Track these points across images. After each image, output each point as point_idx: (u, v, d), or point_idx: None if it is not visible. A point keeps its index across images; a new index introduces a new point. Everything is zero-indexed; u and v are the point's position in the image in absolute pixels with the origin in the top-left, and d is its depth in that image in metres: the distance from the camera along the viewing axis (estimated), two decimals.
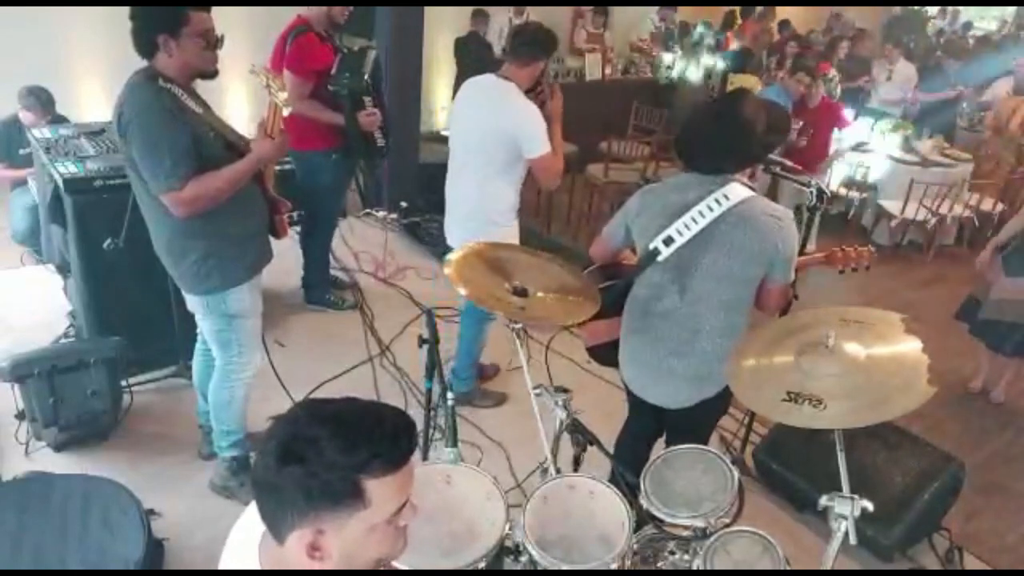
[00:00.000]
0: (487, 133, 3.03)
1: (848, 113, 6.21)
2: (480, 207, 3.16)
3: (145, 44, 2.30)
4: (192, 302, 2.64)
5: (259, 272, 2.68)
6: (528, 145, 3.00)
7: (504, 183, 3.12)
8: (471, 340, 3.50)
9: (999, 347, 4.05)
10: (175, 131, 2.27)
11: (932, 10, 14.00)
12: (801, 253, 3.17)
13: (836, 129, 5.85)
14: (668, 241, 2.17)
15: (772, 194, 5.87)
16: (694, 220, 2.13)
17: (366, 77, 3.73)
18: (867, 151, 6.45)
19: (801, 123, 5.96)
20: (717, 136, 2.16)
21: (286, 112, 2.46)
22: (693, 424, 2.40)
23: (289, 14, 3.75)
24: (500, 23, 7.61)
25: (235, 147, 2.48)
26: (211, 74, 2.42)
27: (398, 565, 1.67)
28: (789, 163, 2.84)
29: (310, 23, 3.69)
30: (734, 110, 2.12)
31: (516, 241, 3.19)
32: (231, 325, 2.63)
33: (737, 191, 2.12)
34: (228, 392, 2.76)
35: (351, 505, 1.06)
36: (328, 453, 1.04)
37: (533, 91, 3.11)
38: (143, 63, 2.35)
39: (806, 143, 5.86)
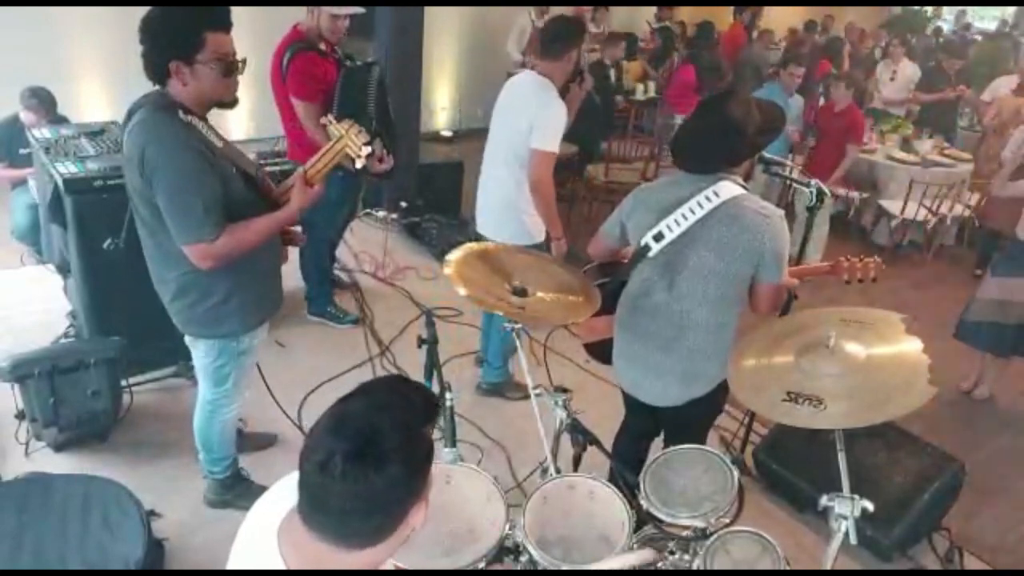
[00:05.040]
0: (516, 125, 3.15)
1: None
2: (514, 199, 3.27)
3: (156, 71, 2.10)
4: (196, 342, 2.47)
5: (276, 311, 2.55)
6: (538, 135, 3.09)
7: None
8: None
9: (989, 347, 4.07)
10: (206, 176, 2.08)
11: (941, 9, 14.02)
12: (801, 253, 3.20)
13: (848, 144, 5.65)
14: (658, 237, 2.19)
15: (785, 198, 5.87)
16: (684, 216, 2.14)
17: (370, 111, 3.59)
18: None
19: (803, 123, 5.96)
20: (703, 135, 2.19)
21: (359, 164, 2.22)
22: (687, 423, 2.40)
23: (290, 14, 3.71)
24: (522, 23, 7.60)
25: (253, 181, 2.31)
26: (230, 104, 2.21)
27: (398, 564, 1.67)
28: (789, 163, 2.84)
29: (307, 38, 3.57)
30: (720, 109, 2.13)
31: (543, 227, 3.33)
32: (236, 361, 2.49)
33: (727, 188, 2.13)
34: (220, 425, 2.66)
35: (432, 456, 1.17)
36: (404, 431, 1.09)
37: (574, 80, 3.28)
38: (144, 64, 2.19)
39: (815, 144, 5.83)
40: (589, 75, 3.41)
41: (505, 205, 3.31)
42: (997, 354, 4.10)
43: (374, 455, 1.04)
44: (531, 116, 3.09)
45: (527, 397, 3.63)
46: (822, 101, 6.93)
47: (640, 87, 7.65)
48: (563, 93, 3.19)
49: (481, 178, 3.48)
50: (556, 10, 7.63)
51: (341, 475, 1.03)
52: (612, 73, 7.29)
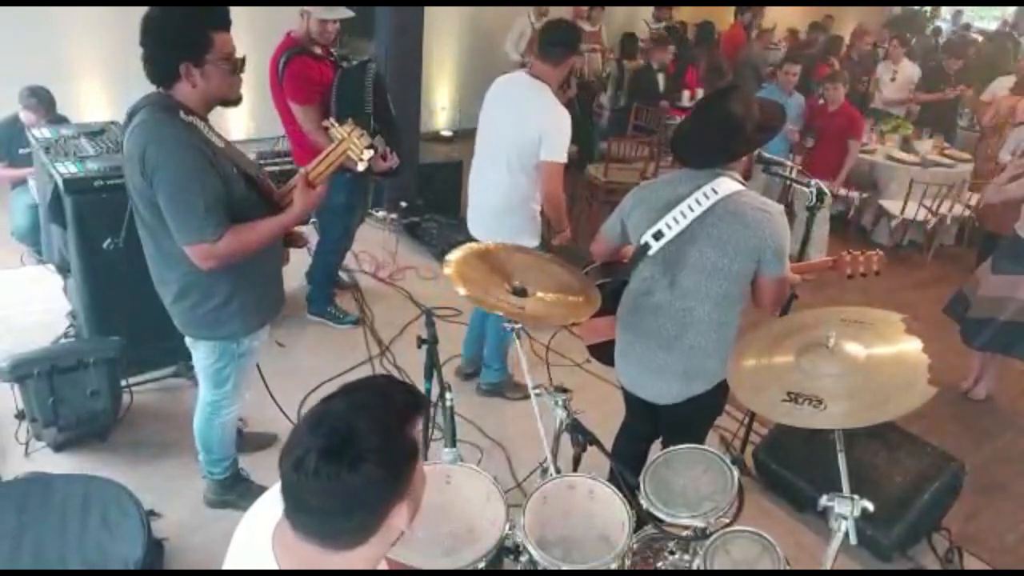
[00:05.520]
0: (520, 132, 3.09)
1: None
2: (514, 203, 3.23)
3: (164, 72, 2.09)
4: (197, 344, 2.46)
5: (276, 313, 2.55)
6: (548, 146, 3.06)
7: (535, 178, 3.20)
8: (499, 326, 3.45)
9: (984, 344, 4.07)
10: (207, 175, 2.08)
11: (939, 9, 14.02)
12: (802, 253, 3.19)
13: (849, 140, 5.74)
14: (658, 235, 2.19)
15: (784, 198, 5.87)
16: (683, 214, 2.14)
17: (368, 109, 3.57)
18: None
19: (803, 123, 5.99)
20: (704, 131, 2.19)
21: (360, 167, 2.23)
22: (686, 422, 2.40)
23: (291, 13, 3.71)
24: (521, 25, 7.56)
25: (254, 182, 2.30)
26: (235, 101, 2.22)
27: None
28: (789, 163, 2.84)
29: (301, 43, 3.56)
30: (721, 105, 2.14)
31: (539, 231, 3.30)
32: (236, 363, 2.49)
33: (726, 185, 2.13)
34: (220, 427, 2.66)
35: (416, 456, 1.15)
36: (381, 429, 1.07)
37: (560, 87, 3.23)
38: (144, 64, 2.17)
39: (814, 144, 5.86)
40: (574, 82, 3.41)
41: (504, 209, 3.26)
42: (995, 351, 4.09)
43: (349, 454, 1.04)
44: (539, 125, 3.04)
45: (527, 397, 3.64)
46: (821, 102, 6.95)
47: (686, 93, 7.48)
48: None
49: (473, 179, 3.40)
50: (555, 11, 7.66)
51: (314, 473, 1.03)
52: (660, 78, 7.23)
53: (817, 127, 5.89)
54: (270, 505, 1.20)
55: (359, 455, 1.04)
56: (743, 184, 2.19)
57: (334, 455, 1.04)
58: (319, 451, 1.04)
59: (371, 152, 2.22)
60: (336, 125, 2.25)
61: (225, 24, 2.11)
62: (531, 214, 3.29)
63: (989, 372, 4.22)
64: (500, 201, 3.26)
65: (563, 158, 3.10)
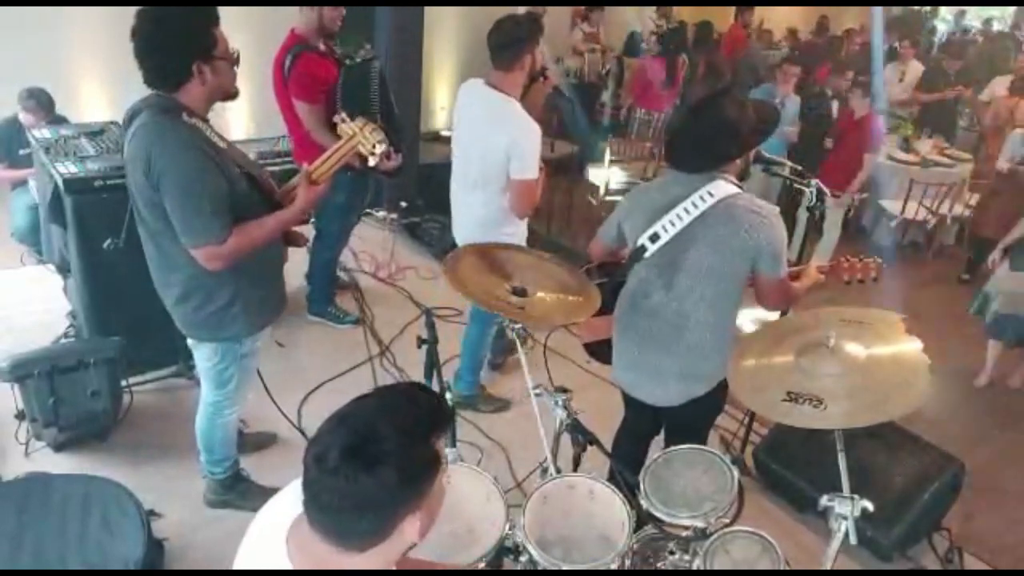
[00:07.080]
0: (489, 150, 2.96)
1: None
2: (490, 216, 3.12)
3: (176, 75, 2.09)
4: (199, 345, 2.46)
5: (279, 314, 2.55)
6: (516, 164, 2.92)
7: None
8: (476, 342, 3.48)
9: (1002, 337, 4.11)
10: (212, 176, 2.09)
11: (938, 9, 13.99)
12: (802, 253, 3.20)
13: (865, 153, 5.51)
14: (654, 237, 2.19)
15: (784, 198, 5.82)
16: (679, 216, 2.14)
17: (375, 107, 3.55)
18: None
19: (800, 124, 5.95)
20: (695, 134, 2.19)
21: (372, 162, 2.24)
22: (687, 423, 2.40)
23: (290, 14, 3.71)
24: None
25: (255, 181, 2.29)
26: (235, 94, 2.23)
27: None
28: (788, 163, 2.83)
29: (306, 40, 3.54)
30: (714, 108, 2.14)
31: (524, 240, 3.19)
32: (239, 363, 2.50)
33: (722, 188, 2.13)
34: (222, 427, 2.66)
35: (437, 468, 1.14)
36: (404, 435, 1.07)
37: (536, 80, 3.06)
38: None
39: (833, 147, 5.79)
40: (551, 73, 3.16)
41: (486, 223, 3.13)
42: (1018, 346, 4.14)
43: (368, 454, 1.05)
44: (506, 144, 2.89)
45: (501, 410, 3.63)
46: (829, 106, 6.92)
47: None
48: (523, 95, 3.00)
49: (453, 192, 3.29)
50: (553, 11, 7.66)
51: (333, 470, 1.04)
52: (835, 105, 6.56)
53: (839, 130, 5.79)
54: (287, 503, 1.21)
55: (377, 457, 1.05)
56: (739, 187, 2.19)
57: (353, 453, 1.04)
58: (340, 448, 1.05)
59: (383, 146, 2.22)
60: (347, 120, 2.24)
61: (218, 19, 2.13)
62: (512, 223, 3.15)
63: (991, 362, 4.24)
64: (480, 215, 3.14)
65: (534, 175, 2.95)
